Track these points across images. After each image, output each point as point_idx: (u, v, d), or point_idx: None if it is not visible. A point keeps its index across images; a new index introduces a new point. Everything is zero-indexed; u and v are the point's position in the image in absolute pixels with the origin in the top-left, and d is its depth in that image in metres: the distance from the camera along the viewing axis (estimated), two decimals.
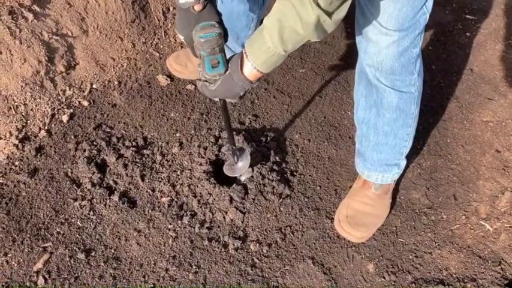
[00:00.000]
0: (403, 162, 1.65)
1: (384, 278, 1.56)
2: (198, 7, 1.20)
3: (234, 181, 1.74)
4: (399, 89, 1.42)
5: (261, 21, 1.63)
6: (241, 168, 1.68)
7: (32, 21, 1.94)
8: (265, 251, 1.60)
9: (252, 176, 1.73)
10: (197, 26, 1.19)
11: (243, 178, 1.73)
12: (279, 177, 1.74)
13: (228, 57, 1.73)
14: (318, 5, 0.97)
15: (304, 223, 1.68)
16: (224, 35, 1.27)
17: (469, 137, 1.93)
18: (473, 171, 1.83)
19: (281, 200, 1.71)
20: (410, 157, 1.85)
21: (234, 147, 1.63)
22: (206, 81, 1.29)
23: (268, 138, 1.89)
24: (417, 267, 1.59)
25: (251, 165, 1.70)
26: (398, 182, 1.78)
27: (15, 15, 1.91)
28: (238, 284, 1.53)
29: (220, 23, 1.24)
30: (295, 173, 1.80)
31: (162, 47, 2.22)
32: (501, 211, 1.71)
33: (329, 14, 0.99)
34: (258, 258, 1.59)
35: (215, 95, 1.30)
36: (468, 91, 2.10)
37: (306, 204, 1.72)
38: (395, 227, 1.69)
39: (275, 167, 1.76)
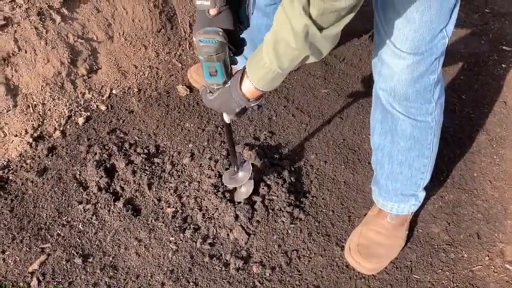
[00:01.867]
0: (422, 194, 1.54)
1: None
2: (213, 11, 1.17)
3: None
4: (414, 117, 1.32)
5: None
6: (241, 178, 1.59)
7: (59, 23, 1.97)
8: (267, 275, 1.51)
9: (259, 194, 1.66)
10: (201, 29, 1.15)
11: (239, 198, 1.64)
12: (289, 198, 1.66)
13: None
14: (309, 15, 0.90)
15: (312, 249, 1.58)
16: (237, 47, 1.22)
17: (498, 173, 1.80)
18: (500, 210, 1.69)
19: (290, 222, 1.62)
20: (432, 189, 1.74)
21: (236, 170, 1.57)
22: (207, 87, 1.24)
23: (283, 156, 1.82)
24: None
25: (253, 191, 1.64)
26: (417, 214, 1.67)
27: (43, 16, 1.94)
28: None
29: (232, 33, 1.18)
30: (307, 195, 1.72)
31: (185, 58, 2.21)
32: None
33: (319, 28, 0.92)
34: (259, 281, 1.50)
35: (211, 105, 1.26)
36: (500, 124, 1.97)
37: (316, 229, 1.63)
38: (411, 261, 1.57)
39: (286, 187, 1.68)
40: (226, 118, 1.35)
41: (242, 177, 1.60)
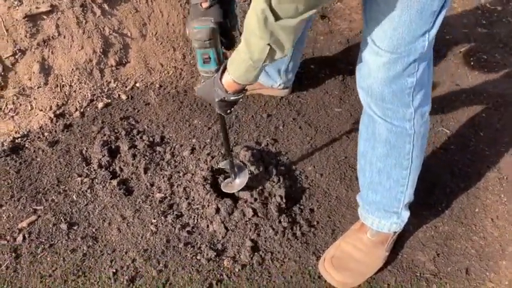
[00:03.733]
0: (405, 214, 1.48)
1: None
2: (205, 4, 1.25)
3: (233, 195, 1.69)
4: (390, 121, 1.30)
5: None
6: (238, 184, 1.64)
7: (98, 16, 2.15)
8: (237, 270, 1.50)
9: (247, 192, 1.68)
10: (195, 18, 1.23)
11: (237, 182, 1.66)
12: (276, 201, 1.65)
13: (266, 81, 1.90)
14: (269, 2, 0.95)
15: (288, 253, 1.55)
16: (228, 39, 1.30)
17: (502, 212, 1.69)
18: (497, 249, 1.58)
19: (270, 224, 1.61)
20: (427, 217, 1.67)
21: (231, 161, 1.60)
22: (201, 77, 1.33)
23: (280, 163, 1.83)
24: None
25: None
26: (404, 239, 1.60)
27: (85, 8, 2.13)
28: None
29: (222, 25, 1.25)
30: (295, 202, 1.70)
31: None
32: None
33: (276, 16, 0.96)
34: (227, 275, 1.49)
35: (198, 93, 1.35)
36: None
37: (295, 236, 1.60)
38: (388, 284, 1.49)
39: (275, 190, 1.68)
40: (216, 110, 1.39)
41: (239, 183, 1.64)
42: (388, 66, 1.19)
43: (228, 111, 1.35)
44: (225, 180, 1.69)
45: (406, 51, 1.16)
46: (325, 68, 2.30)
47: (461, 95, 2.15)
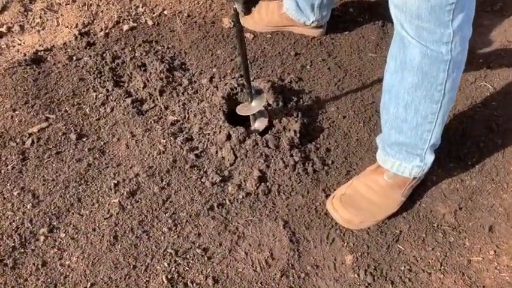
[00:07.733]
0: (430, 158, 1.34)
1: (359, 275, 1.27)
2: None
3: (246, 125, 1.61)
4: (425, 43, 1.14)
5: None
6: (254, 107, 1.54)
7: None
8: (241, 197, 1.43)
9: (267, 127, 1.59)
10: None
11: (256, 125, 1.60)
12: (288, 135, 1.56)
13: (298, 17, 1.85)
14: None
15: (296, 187, 1.46)
16: None
17: None
18: None
19: (282, 157, 1.52)
20: (454, 169, 1.53)
21: (249, 80, 1.50)
22: None
23: (302, 100, 1.72)
24: (404, 281, 1.27)
25: (269, 117, 1.58)
26: (425, 189, 1.47)
27: None
28: (197, 214, 1.38)
29: None
30: (311, 140, 1.60)
31: None
32: None
33: None
34: (230, 200, 1.42)
35: None
36: None
37: (307, 171, 1.50)
38: (400, 231, 1.38)
39: (290, 125, 1.58)
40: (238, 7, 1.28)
41: (255, 106, 1.54)
42: None
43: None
44: (241, 104, 1.59)
45: None
46: (364, 13, 2.14)
47: (511, 53, 1.95)
